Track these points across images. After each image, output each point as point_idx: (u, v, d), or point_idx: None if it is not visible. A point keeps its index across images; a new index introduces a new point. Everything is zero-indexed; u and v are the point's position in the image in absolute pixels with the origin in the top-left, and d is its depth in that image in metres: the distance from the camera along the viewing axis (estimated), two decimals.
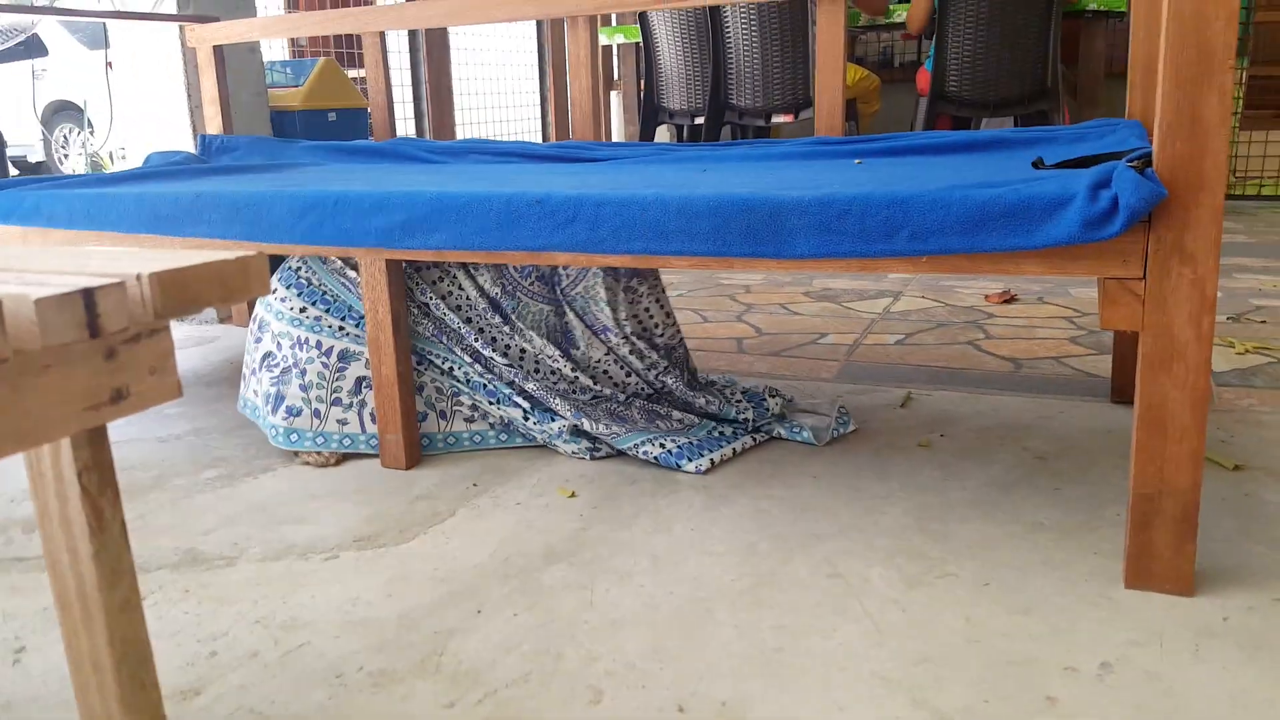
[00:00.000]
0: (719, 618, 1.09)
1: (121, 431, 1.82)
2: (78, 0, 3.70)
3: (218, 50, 2.43)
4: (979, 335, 2.29)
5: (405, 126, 4.04)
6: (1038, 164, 1.30)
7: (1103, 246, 1.00)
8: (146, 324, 0.51)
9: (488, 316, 1.66)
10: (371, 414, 1.63)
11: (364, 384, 1.63)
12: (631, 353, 1.70)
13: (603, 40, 5.24)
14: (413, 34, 3.97)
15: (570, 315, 1.69)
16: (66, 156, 9.26)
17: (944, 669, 0.98)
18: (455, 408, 1.66)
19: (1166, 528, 1.07)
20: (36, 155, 9.46)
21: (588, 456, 1.60)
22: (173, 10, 2.78)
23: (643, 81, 4.44)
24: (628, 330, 1.69)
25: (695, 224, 1.21)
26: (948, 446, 1.59)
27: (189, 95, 2.79)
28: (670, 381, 1.72)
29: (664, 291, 1.75)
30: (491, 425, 1.67)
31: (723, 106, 3.85)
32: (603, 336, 1.69)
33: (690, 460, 1.53)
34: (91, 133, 9.00)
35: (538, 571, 1.22)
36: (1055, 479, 1.44)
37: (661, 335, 1.73)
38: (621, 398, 1.71)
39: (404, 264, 1.60)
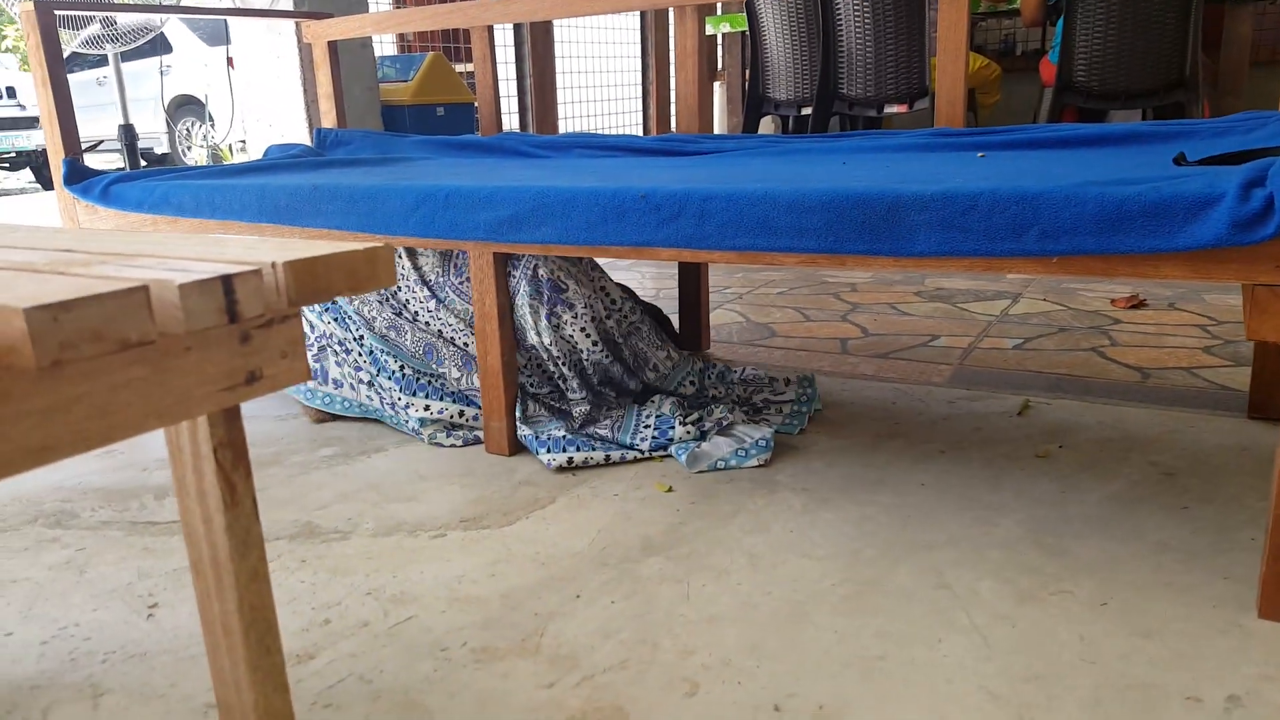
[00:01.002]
0: (818, 621, 1.07)
1: (244, 410, 1.89)
2: None
3: (332, 46, 2.49)
4: (1104, 342, 2.19)
5: (510, 120, 4.09)
6: (1179, 160, 1.23)
7: (1254, 250, 0.94)
8: (280, 310, 0.52)
9: (422, 299, 1.78)
10: (334, 381, 1.82)
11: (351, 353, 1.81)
12: (555, 373, 1.72)
13: (708, 29, 5.21)
14: (518, 27, 4.01)
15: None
16: (189, 149, 9.70)
17: (1055, 688, 0.94)
18: (353, 375, 1.81)
19: None
20: (162, 148, 9.93)
21: (460, 444, 1.68)
22: (289, 7, 2.87)
23: (747, 71, 4.39)
24: (554, 352, 1.68)
25: (806, 219, 1.18)
26: (1067, 458, 1.52)
27: (304, 90, 2.87)
28: (587, 408, 1.69)
29: (591, 322, 1.72)
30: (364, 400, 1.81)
31: (831, 96, 3.77)
32: (528, 351, 1.72)
33: (550, 453, 1.56)
34: (213, 126, 9.39)
35: (635, 562, 1.22)
36: (1183, 497, 1.36)
37: (589, 358, 1.72)
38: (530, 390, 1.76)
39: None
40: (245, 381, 0.53)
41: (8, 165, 9.10)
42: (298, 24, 2.85)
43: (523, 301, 1.67)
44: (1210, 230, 0.92)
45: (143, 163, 10.46)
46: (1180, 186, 0.95)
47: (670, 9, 2.03)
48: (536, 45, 3.80)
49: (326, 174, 1.86)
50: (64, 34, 3.60)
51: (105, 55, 3.25)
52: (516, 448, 1.63)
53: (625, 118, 6.23)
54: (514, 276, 1.67)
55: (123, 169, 3.27)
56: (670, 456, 1.59)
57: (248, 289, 0.49)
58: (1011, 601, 1.10)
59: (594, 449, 1.57)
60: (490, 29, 2.41)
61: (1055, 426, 1.65)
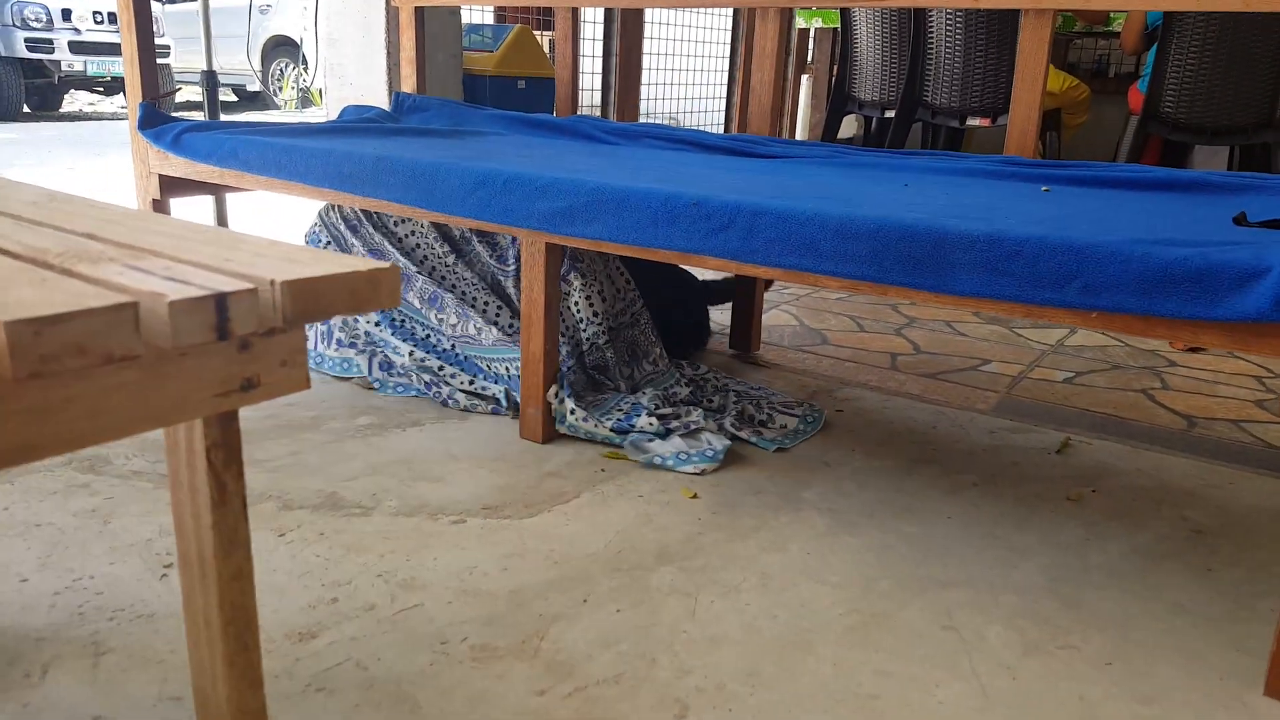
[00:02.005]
0: (820, 651, 1.07)
1: None
2: None
3: (419, 11, 2.52)
4: (1155, 384, 2.14)
5: (592, 98, 4.09)
6: (1239, 220, 1.19)
7: None
8: (278, 325, 0.54)
9: (443, 256, 1.89)
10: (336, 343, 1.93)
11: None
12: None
13: (800, 23, 5.14)
14: (609, 8, 4.01)
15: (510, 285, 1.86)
16: (280, 89, 9.90)
17: None
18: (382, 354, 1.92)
19: None
20: (255, 86, 10.14)
21: (477, 408, 1.78)
22: None
23: (835, 68, 4.33)
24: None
25: (852, 245, 1.17)
26: (1098, 503, 1.49)
27: (388, 53, 2.91)
28: (573, 376, 1.76)
29: (598, 295, 1.81)
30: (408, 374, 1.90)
31: (915, 103, 3.71)
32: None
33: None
34: (305, 68, 9.57)
35: (647, 570, 1.23)
36: (1209, 557, 1.33)
37: (586, 331, 1.80)
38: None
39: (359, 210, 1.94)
40: (241, 388, 0.55)
41: (103, 89, 9.38)
42: None
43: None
44: (1253, 304, 0.90)
45: (233, 98, 10.72)
46: (1227, 255, 0.92)
47: (755, 9, 2.01)
48: (626, 27, 3.80)
49: (395, 143, 1.89)
50: None
51: None
52: (551, 435, 1.65)
53: (708, 115, 6.18)
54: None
55: (207, 118, 3.36)
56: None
57: (241, 308, 0.50)
58: (1017, 651, 1.09)
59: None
60: (576, 10, 2.42)
61: (1092, 469, 1.62)
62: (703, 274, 2.31)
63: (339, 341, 1.95)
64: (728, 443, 1.61)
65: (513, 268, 1.87)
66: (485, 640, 1.07)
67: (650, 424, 1.63)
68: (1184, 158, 3.38)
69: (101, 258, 0.57)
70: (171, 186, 2.08)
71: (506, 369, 1.77)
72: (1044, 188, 1.63)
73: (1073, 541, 1.36)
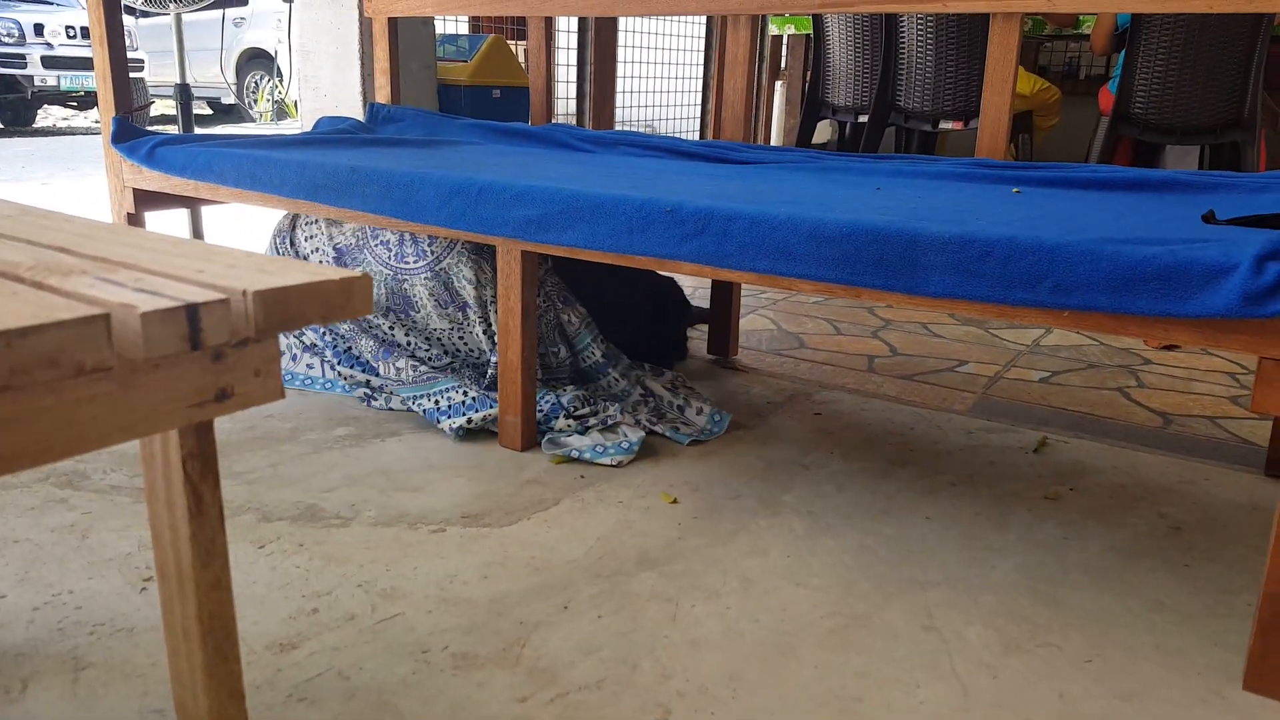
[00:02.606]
0: (801, 655, 1.07)
1: None
2: None
3: (392, 22, 2.52)
4: (1130, 382, 2.16)
5: (567, 106, 4.09)
6: (1208, 218, 1.21)
7: (1264, 324, 0.92)
8: (250, 336, 0.54)
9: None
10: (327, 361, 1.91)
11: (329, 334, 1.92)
12: (485, 332, 1.80)
13: (773, 30, 5.17)
14: (582, 17, 4.01)
15: (417, 285, 1.81)
16: (255, 101, 9.86)
17: None
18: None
19: None
20: (229, 99, 10.10)
21: (367, 403, 1.83)
22: None
23: (809, 74, 4.36)
24: (490, 311, 1.79)
25: (824, 249, 1.18)
26: (1076, 502, 1.50)
27: (361, 64, 2.91)
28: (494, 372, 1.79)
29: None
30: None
31: (888, 107, 3.74)
32: (459, 311, 1.80)
33: (449, 418, 1.68)
34: (280, 80, 9.54)
35: (628, 576, 1.23)
36: (1187, 554, 1.34)
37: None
38: (444, 361, 1.84)
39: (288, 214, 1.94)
40: (215, 399, 0.54)
41: (76, 104, 9.32)
42: None
43: (460, 260, 1.78)
44: (1221, 300, 0.91)
45: (208, 111, 10.67)
46: (1196, 253, 0.93)
47: (727, 16, 2.02)
48: (600, 35, 3.80)
49: (368, 154, 1.89)
50: None
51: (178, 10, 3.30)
52: (530, 443, 1.65)
53: (684, 123, 6.21)
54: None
55: (187, 131, 3.34)
56: (420, 403, 1.73)
57: (213, 318, 0.50)
58: (997, 650, 1.09)
59: (493, 406, 1.69)
60: (550, 19, 2.42)
61: (1069, 467, 1.64)
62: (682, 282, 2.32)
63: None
64: (643, 434, 1.67)
65: (417, 264, 1.81)
66: (466, 648, 1.07)
67: (568, 425, 1.68)
68: (1155, 158, 3.42)
69: (74, 270, 0.56)
70: (146, 200, 2.07)
71: (436, 402, 1.74)
72: (1015, 189, 1.65)
73: (1051, 540, 1.37)
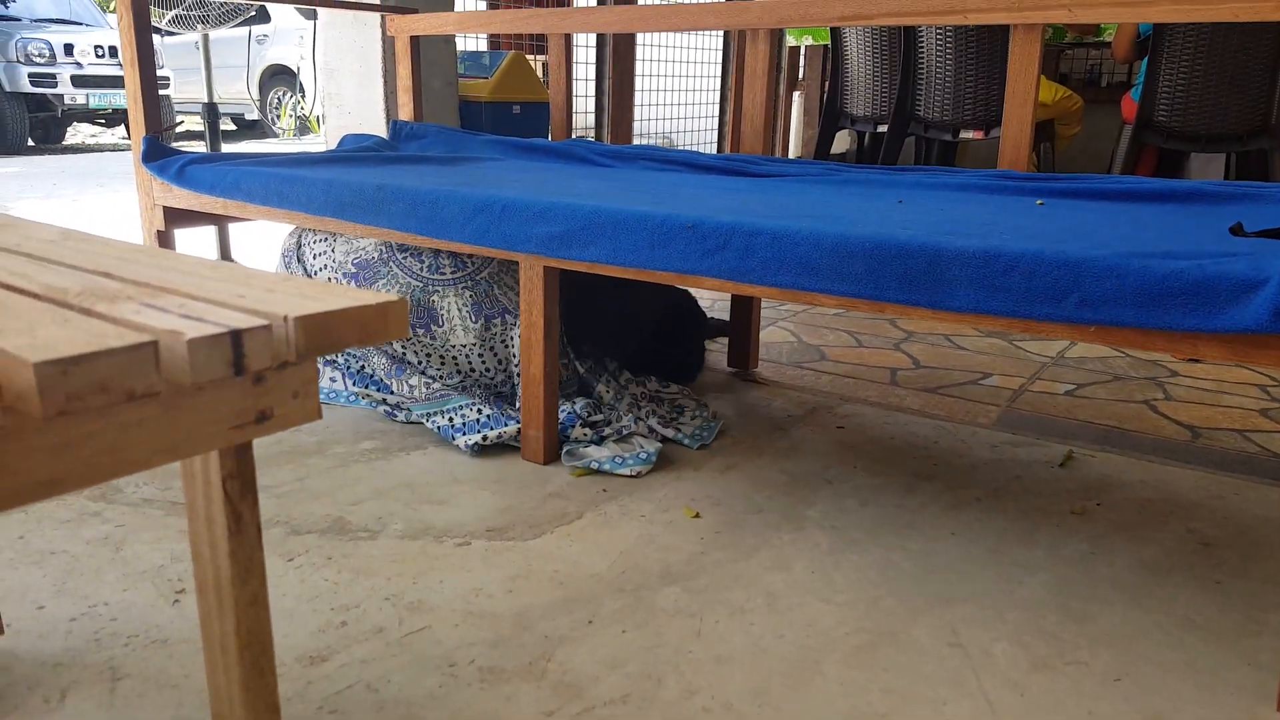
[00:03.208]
0: (827, 671, 1.07)
1: None
2: None
3: (414, 40, 2.54)
4: (1157, 395, 2.14)
5: (586, 120, 4.12)
6: (1236, 230, 1.20)
7: None
8: (290, 359, 0.55)
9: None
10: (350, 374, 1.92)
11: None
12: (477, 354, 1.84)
13: (790, 41, 5.18)
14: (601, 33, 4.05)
15: (449, 296, 1.82)
16: (278, 117, 9.96)
17: None
18: None
19: None
20: (253, 115, 10.21)
21: (390, 418, 1.85)
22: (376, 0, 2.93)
23: (827, 84, 4.36)
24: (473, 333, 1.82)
25: (848, 264, 1.18)
26: (1103, 517, 1.49)
27: (384, 81, 2.94)
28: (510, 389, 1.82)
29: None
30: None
31: (908, 117, 3.73)
32: (499, 317, 1.82)
33: (464, 435, 1.69)
34: (303, 96, 9.64)
35: (652, 591, 1.23)
36: (1217, 570, 1.33)
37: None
38: (456, 380, 1.85)
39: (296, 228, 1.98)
40: (255, 421, 0.56)
41: (104, 121, 9.46)
42: (383, 17, 2.92)
43: (504, 265, 1.83)
44: (1251, 315, 0.90)
45: (232, 126, 10.80)
46: (1224, 267, 0.93)
47: (745, 30, 2.03)
48: (619, 51, 3.83)
49: (394, 171, 1.91)
50: (154, 10, 3.71)
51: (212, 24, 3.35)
52: (552, 457, 1.66)
53: (702, 135, 6.22)
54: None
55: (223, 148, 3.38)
56: (434, 421, 1.75)
57: (256, 344, 0.51)
58: (1024, 668, 1.09)
59: (507, 424, 1.70)
60: (569, 36, 2.44)
61: (1096, 481, 1.63)
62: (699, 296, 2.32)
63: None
64: (659, 445, 1.69)
65: (456, 274, 1.83)
66: (493, 662, 1.07)
67: (585, 434, 1.70)
68: (1180, 166, 3.39)
69: (119, 296, 0.58)
70: (175, 218, 2.10)
71: (450, 419, 1.75)
72: (1038, 201, 1.64)
73: (1078, 556, 1.36)
